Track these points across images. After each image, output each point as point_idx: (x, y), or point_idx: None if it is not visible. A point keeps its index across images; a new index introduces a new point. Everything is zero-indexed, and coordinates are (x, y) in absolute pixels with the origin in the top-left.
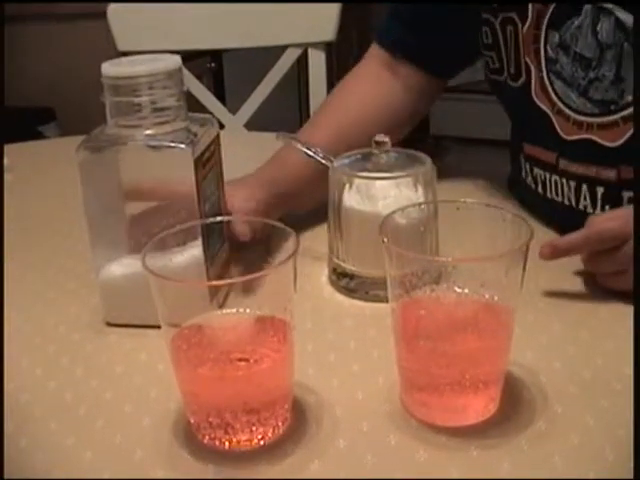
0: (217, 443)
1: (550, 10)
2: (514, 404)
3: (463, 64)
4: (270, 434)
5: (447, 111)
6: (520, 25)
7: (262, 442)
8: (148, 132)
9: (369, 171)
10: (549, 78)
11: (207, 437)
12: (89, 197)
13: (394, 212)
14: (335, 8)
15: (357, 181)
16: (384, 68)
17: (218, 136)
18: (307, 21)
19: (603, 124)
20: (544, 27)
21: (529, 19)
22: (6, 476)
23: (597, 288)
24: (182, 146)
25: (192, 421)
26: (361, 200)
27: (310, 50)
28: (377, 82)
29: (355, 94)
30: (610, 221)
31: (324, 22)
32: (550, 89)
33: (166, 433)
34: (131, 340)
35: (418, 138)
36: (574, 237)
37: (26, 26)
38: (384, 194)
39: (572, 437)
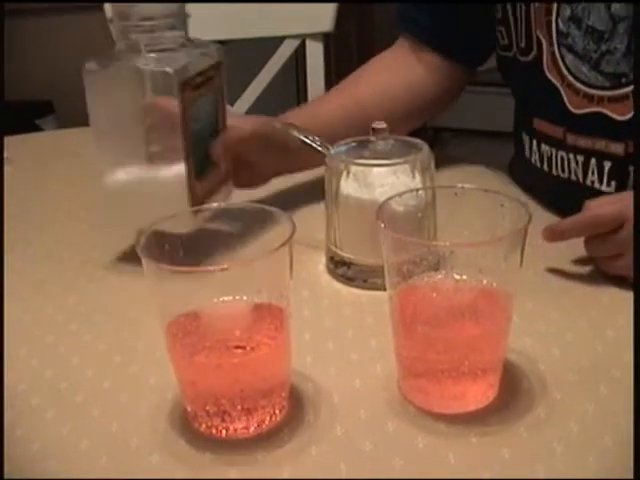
0: (214, 431)
1: None
2: (513, 391)
3: (486, 51)
4: (267, 422)
5: None
6: None
7: (259, 430)
8: (148, 55)
9: (366, 158)
10: (560, 52)
11: (204, 425)
12: (94, 110)
13: (391, 198)
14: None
15: (354, 168)
16: (409, 53)
17: (220, 63)
18: (305, 12)
19: (614, 97)
20: (556, 0)
21: None
22: (5, 467)
23: (596, 275)
24: (168, 69)
25: (189, 409)
26: (358, 187)
27: (308, 41)
28: (399, 63)
29: (374, 72)
30: (606, 205)
31: (322, 13)
32: (561, 62)
33: (162, 421)
34: (128, 329)
35: (416, 129)
36: (570, 221)
37: (24, 20)
38: (381, 181)
39: (571, 424)
